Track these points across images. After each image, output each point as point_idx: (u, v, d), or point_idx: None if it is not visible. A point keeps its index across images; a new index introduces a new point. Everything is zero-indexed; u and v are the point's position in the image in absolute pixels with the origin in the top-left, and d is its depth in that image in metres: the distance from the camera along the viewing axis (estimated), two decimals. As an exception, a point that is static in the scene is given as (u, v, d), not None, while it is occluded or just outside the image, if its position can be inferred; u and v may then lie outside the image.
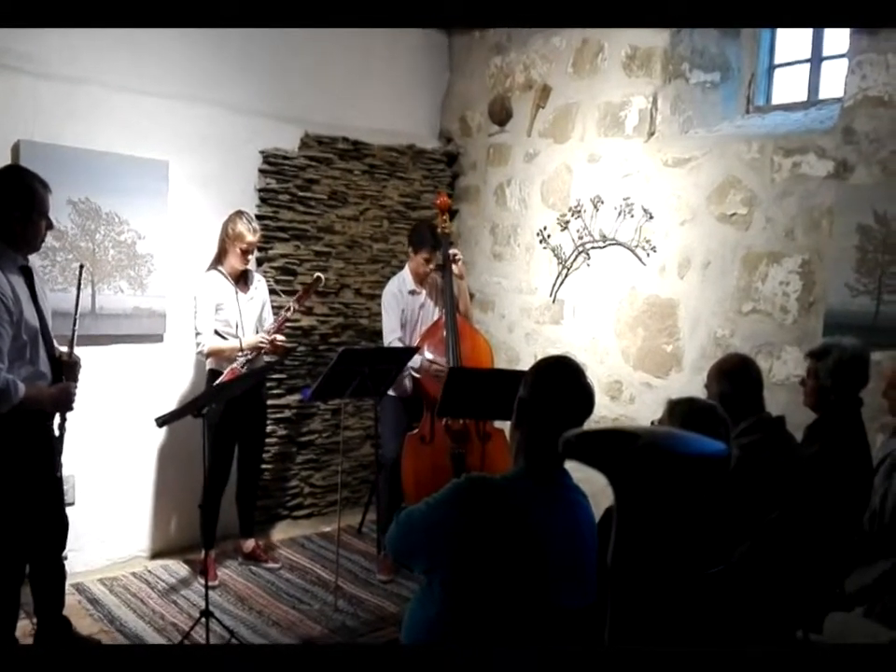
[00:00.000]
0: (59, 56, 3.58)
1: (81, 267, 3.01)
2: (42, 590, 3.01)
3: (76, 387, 2.88)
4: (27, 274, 2.79)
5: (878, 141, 3.19)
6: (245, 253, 3.76)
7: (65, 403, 2.82)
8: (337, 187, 4.63)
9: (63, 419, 2.85)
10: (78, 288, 2.95)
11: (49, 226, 2.85)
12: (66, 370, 2.87)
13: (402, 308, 4.17)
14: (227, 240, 3.75)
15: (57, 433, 2.84)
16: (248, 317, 3.84)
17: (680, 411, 2.26)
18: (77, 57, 3.63)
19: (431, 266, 4.16)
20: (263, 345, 3.76)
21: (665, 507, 0.95)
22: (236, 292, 3.81)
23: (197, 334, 3.73)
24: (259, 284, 3.98)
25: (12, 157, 3.45)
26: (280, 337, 3.84)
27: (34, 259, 2.94)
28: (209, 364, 3.82)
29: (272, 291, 4.12)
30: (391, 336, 4.13)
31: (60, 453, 2.85)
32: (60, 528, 3.01)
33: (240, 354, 3.71)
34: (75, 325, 2.91)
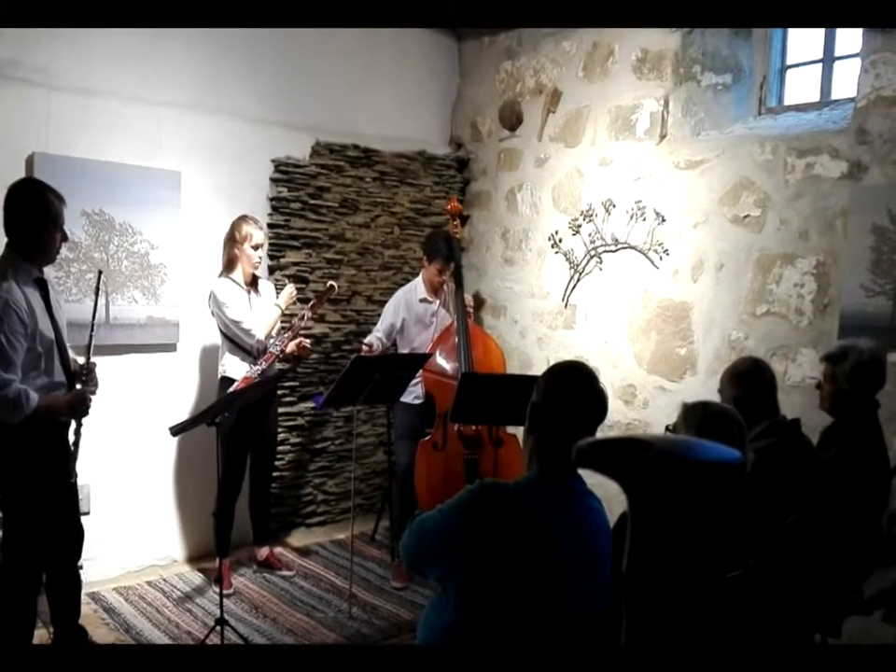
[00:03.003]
0: (71, 68, 3.61)
1: (100, 273, 3.02)
2: (58, 599, 3.02)
3: (93, 393, 2.89)
4: (42, 286, 2.81)
5: (892, 141, 3.16)
6: (255, 249, 3.78)
7: (81, 409, 2.84)
8: (348, 194, 4.64)
9: (79, 425, 2.86)
10: (97, 294, 2.96)
11: (65, 238, 2.87)
12: (84, 375, 2.87)
13: (403, 317, 4.17)
14: (236, 245, 3.76)
15: (73, 439, 2.85)
16: (262, 320, 3.84)
17: (695, 415, 2.25)
18: (89, 69, 3.66)
19: (444, 277, 4.17)
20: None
21: (679, 515, 0.94)
22: (249, 297, 3.83)
23: (247, 331, 3.71)
24: (270, 289, 4.01)
25: (26, 169, 3.48)
26: (306, 341, 3.90)
27: (48, 271, 2.96)
28: (222, 372, 3.82)
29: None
30: (369, 335, 4.20)
31: (76, 459, 2.87)
32: (75, 537, 3.03)
33: (256, 363, 3.72)
34: (92, 330, 2.92)
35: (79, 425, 2.87)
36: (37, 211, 2.75)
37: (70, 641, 3.04)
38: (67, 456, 2.94)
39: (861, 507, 2.49)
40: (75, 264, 3.64)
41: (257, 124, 4.25)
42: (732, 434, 2.14)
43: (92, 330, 2.92)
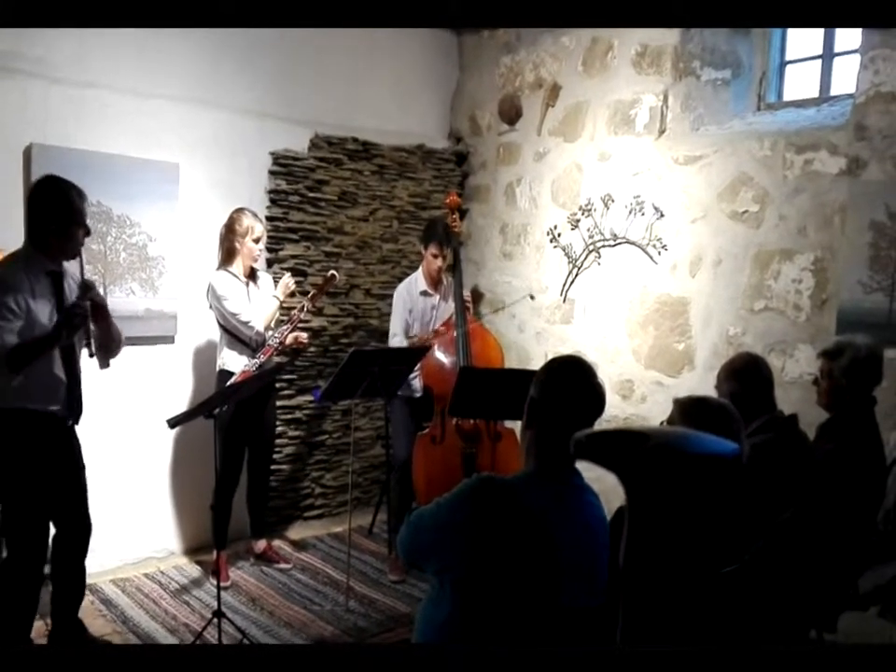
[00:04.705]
0: (70, 60, 3.60)
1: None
2: (62, 593, 3.03)
3: (94, 296, 2.81)
4: (56, 280, 2.80)
5: (891, 137, 3.16)
6: (256, 242, 3.78)
7: (71, 319, 2.68)
8: (347, 187, 4.63)
9: (88, 342, 2.76)
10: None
11: (87, 233, 2.86)
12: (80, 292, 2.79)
13: (409, 309, 4.18)
14: (236, 238, 3.75)
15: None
16: (261, 312, 3.84)
17: (692, 410, 2.24)
18: (87, 61, 3.65)
19: (439, 262, 4.15)
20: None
21: (676, 507, 0.94)
22: (248, 290, 3.82)
23: (245, 323, 3.71)
24: (268, 281, 4.01)
25: (24, 160, 3.48)
26: (303, 335, 3.91)
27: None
28: (221, 365, 3.82)
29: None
30: (392, 339, 4.20)
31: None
32: (82, 532, 3.03)
33: (255, 356, 3.72)
34: (81, 255, 2.85)
35: (88, 342, 2.75)
36: (59, 210, 2.76)
37: (68, 634, 3.04)
38: (73, 449, 2.94)
39: (857, 503, 2.49)
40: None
41: (255, 117, 4.24)
42: (729, 429, 2.14)
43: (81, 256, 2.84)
